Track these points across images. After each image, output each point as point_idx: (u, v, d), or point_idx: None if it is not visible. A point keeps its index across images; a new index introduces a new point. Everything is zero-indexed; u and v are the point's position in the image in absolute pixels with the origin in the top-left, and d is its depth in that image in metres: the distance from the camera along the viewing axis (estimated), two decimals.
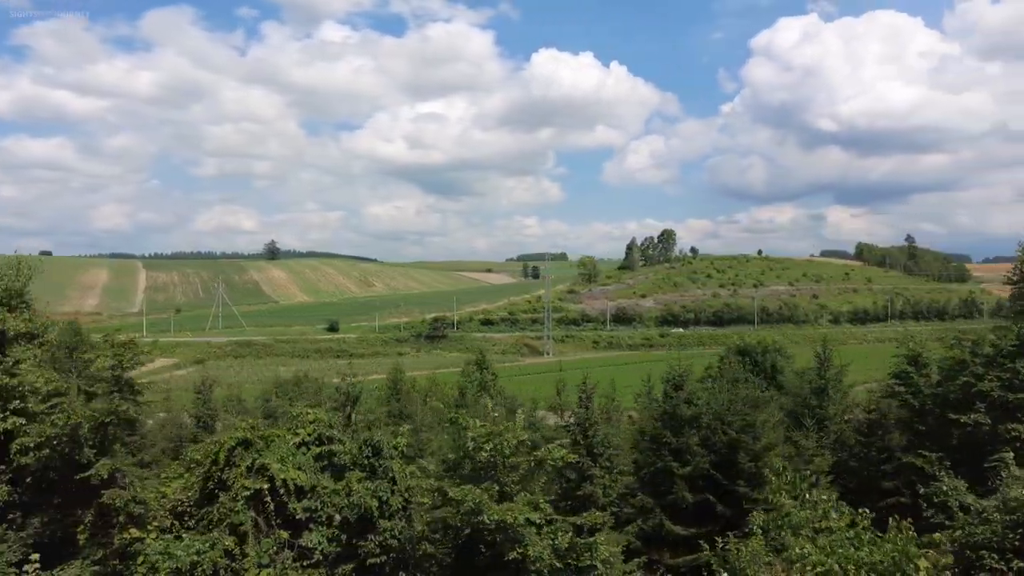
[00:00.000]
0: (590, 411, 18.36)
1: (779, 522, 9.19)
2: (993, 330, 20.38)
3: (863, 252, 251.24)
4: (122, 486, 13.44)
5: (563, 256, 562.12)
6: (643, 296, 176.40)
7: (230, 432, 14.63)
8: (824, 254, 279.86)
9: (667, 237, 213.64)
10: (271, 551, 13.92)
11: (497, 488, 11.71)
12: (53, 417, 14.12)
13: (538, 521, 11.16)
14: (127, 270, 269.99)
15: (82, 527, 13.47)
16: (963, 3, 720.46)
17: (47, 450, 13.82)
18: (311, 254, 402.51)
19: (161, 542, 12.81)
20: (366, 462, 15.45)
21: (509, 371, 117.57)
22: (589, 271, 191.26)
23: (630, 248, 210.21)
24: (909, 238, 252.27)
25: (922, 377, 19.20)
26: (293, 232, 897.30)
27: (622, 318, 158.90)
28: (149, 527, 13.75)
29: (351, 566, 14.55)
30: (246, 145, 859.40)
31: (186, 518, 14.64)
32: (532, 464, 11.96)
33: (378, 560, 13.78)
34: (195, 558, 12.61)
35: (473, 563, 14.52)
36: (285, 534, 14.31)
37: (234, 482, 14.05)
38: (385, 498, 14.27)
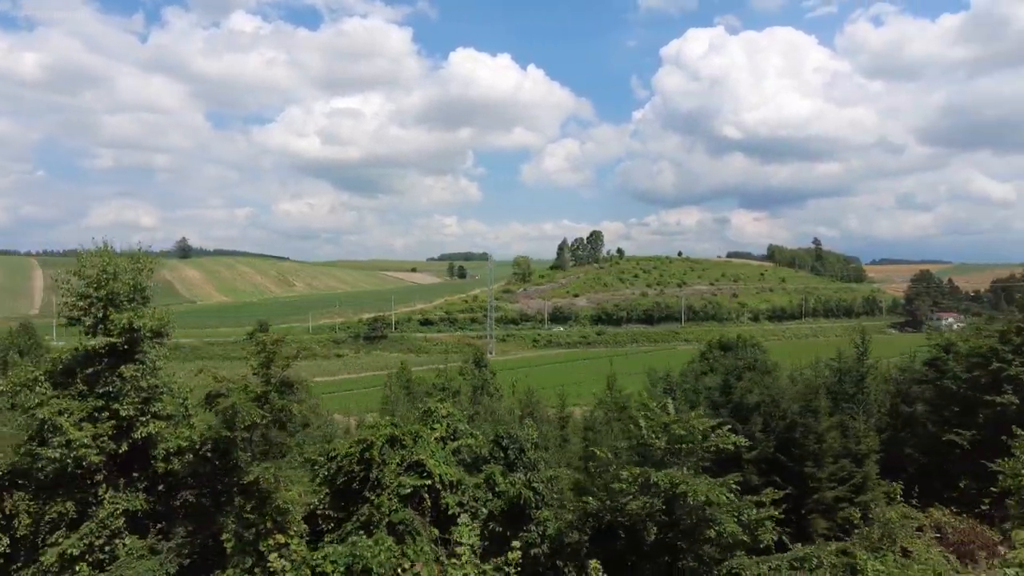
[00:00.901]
0: (676, 401, 19.25)
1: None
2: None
3: (774, 254, 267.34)
4: (275, 490, 13.03)
5: (485, 256, 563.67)
6: (576, 295, 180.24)
7: (374, 430, 14.44)
8: (730, 255, 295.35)
9: (595, 238, 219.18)
10: (426, 548, 13.94)
11: (686, 471, 12.33)
12: (193, 420, 13.48)
13: (732, 500, 11.87)
14: (19, 268, 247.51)
15: (227, 535, 12.95)
16: (850, 25, 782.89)
17: (190, 455, 13.19)
18: (218, 252, 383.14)
19: (344, 546, 12.61)
20: (502, 455, 15.67)
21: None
22: (523, 271, 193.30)
23: (561, 248, 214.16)
24: (816, 241, 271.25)
25: (956, 364, 21.37)
26: (197, 229, 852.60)
27: (558, 317, 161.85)
28: (290, 532, 13.42)
29: (502, 559, 14.73)
30: (146, 136, 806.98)
31: (320, 521, 14.34)
32: (712, 449, 12.65)
33: (540, 549, 14.07)
34: (380, 558, 12.55)
35: (614, 549, 15.08)
36: (436, 530, 14.36)
37: (390, 480, 13.93)
38: (539, 488, 14.57)
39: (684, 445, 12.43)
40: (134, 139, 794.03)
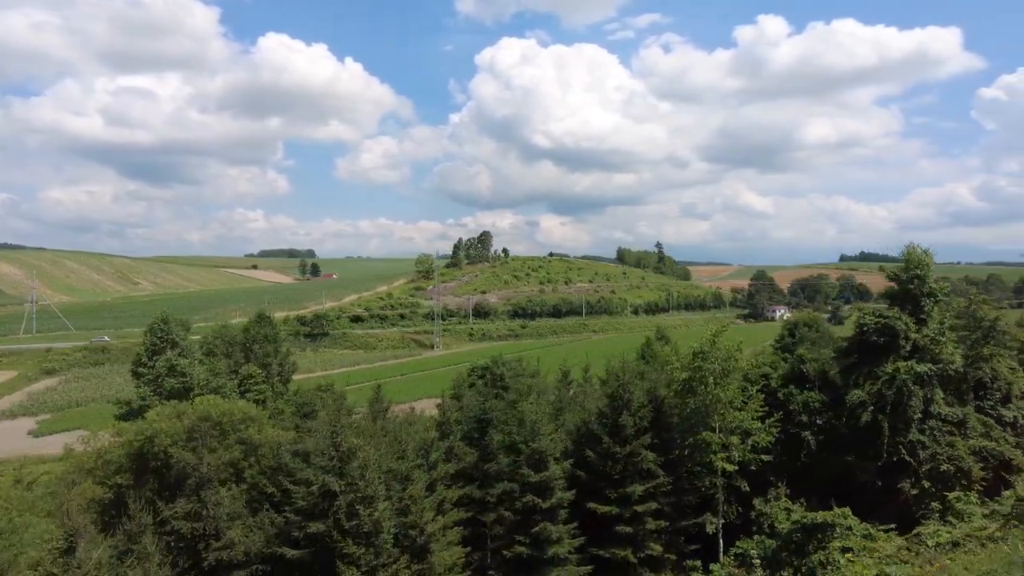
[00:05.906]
0: None
1: None
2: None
3: (624, 256, 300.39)
4: None
5: (312, 253, 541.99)
6: (484, 292, 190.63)
7: None
8: (551, 255, 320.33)
9: (485, 239, 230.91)
10: None
11: None
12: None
13: None
14: None
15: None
16: (644, 49, 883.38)
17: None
18: None
19: None
20: None
21: (430, 363, 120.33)
22: (426, 269, 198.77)
23: (457, 248, 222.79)
24: (659, 245, 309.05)
25: None
26: None
27: (478, 312, 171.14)
28: None
29: None
30: None
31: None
32: None
33: None
34: None
35: None
36: None
37: None
38: None
39: None
40: None
